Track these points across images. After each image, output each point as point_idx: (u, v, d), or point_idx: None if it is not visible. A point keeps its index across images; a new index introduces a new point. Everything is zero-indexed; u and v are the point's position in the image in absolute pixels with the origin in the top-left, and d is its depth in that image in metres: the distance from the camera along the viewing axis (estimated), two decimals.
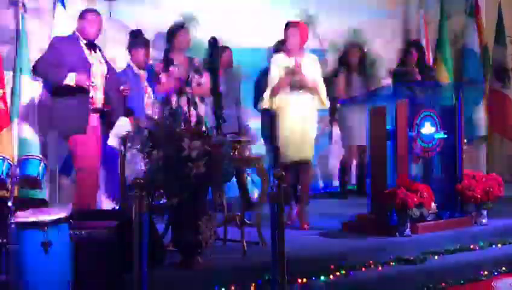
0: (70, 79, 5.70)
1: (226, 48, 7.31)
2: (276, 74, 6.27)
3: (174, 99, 6.50)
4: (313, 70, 6.33)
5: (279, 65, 6.30)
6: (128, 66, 6.69)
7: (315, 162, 8.68)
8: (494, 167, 8.20)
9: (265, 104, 6.37)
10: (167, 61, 6.70)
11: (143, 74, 6.76)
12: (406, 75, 7.91)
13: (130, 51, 6.73)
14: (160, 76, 6.63)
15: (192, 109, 6.49)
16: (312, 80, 6.26)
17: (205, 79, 6.56)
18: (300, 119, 6.24)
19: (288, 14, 7.65)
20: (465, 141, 6.69)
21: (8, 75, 6.56)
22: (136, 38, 6.77)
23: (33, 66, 5.94)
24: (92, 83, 5.80)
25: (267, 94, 6.32)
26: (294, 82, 6.19)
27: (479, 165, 8.79)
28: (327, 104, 6.44)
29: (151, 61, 6.93)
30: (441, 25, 9.32)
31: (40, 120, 6.57)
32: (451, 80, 8.95)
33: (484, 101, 9.34)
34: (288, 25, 6.37)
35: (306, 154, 6.29)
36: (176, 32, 6.74)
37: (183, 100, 6.51)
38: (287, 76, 6.22)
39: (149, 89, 6.77)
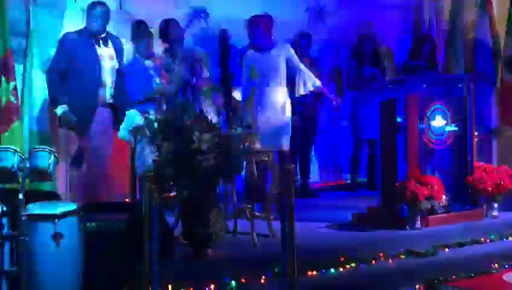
0: None
1: None
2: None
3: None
4: (283, 59, 6.53)
5: (251, 61, 6.51)
6: (134, 57, 6.59)
7: (324, 155, 8.70)
8: (506, 160, 8.13)
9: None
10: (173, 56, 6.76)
11: (149, 63, 6.74)
12: (415, 68, 7.87)
13: (134, 42, 6.68)
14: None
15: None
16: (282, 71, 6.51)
17: (207, 72, 6.58)
18: (274, 110, 6.50)
19: (298, 6, 7.66)
20: (476, 133, 6.65)
21: (19, 68, 6.56)
22: (139, 29, 6.75)
23: (46, 73, 6.06)
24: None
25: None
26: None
27: (490, 158, 8.74)
28: (318, 83, 6.69)
29: (160, 54, 6.92)
30: (453, 17, 9.24)
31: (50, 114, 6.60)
32: (463, 72, 8.89)
33: (495, 93, 9.28)
34: (250, 23, 6.55)
35: (283, 144, 6.51)
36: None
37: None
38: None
39: (156, 79, 6.76)
